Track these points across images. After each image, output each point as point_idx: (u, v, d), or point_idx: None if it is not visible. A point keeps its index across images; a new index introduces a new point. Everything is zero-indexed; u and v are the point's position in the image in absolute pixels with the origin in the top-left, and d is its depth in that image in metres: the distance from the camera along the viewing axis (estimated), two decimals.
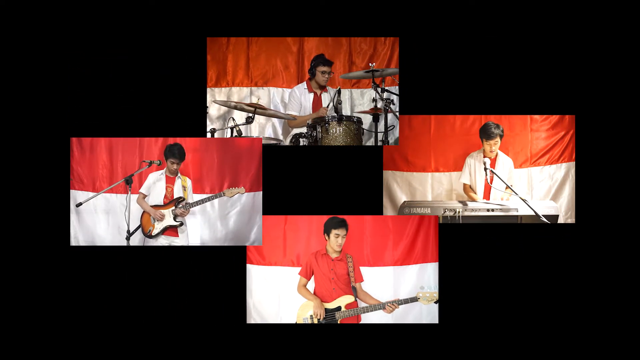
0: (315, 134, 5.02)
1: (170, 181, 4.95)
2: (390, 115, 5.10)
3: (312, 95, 5.67)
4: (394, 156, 5.07)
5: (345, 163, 4.68)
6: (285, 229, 4.77)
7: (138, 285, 4.62)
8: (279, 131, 5.76)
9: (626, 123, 4.63)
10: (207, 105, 4.94)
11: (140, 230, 4.93)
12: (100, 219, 4.99)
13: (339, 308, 4.57)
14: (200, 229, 4.99)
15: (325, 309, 4.58)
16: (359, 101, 5.96)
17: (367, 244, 4.75)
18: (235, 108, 5.24)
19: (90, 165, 4.95)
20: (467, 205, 4.80)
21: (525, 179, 5.17)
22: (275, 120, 5.74)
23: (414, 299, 4.48)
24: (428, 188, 5.25)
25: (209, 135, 4.95)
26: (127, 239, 4.81)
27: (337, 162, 4.68)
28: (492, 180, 4.95)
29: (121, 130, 4.70)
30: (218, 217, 5.02)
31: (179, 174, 4.93)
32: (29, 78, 4.68)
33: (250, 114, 5.15)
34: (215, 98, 5.70)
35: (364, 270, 4.73)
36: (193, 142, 4.87)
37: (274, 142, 5.16)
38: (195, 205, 4.91)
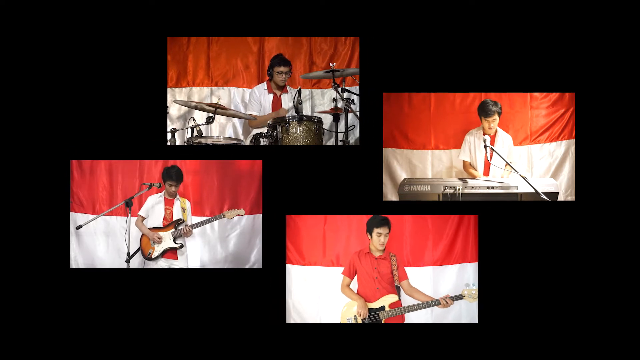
0: (275, 134, 5.30)
1: (169, 203, 5.20)
2: (350, 115, 5.41)
3: (271, 95, 5.99)
4: (394, 133, 5.38)
5: (313, 163, 4.96)
6: (325, 229, 5.03)
7: (141, 307, 4.85)
8: (240, 131, 6.06)
9: (626, 100, 4.94)
10: (168, 105, 5.22)
11: (140, 252, 5.16)
12: (100, 241, 5.23)
13: (382, 307, 4.84)
14: (200, 251, 5.24)
15: (369, 308, 4.86)
16: (319, 101, 6.29)
17: (407, 244, 5.03)
18: (196, 108, 5.49)
19: (90, 188, 5.18)
20: (467, 182, 5.07)
21: (525, 156, 5.54)
22: (235, 120, 6.04)
23: (459, 297, 4.77)
24: (428, 165, 5.58)
25: (169, 135, 5.21)
26: (127, 261, 5.04)
27: (309, 162, 4.97)
28: (491, 157, 5.26)
29: (84, 131, 4.90)
30: (218, 239, 5.28)
31: (177, 196, 5.19)
32: (27, 99, 4.90)
33: (211, 114, 5.42)
34: (176, 98, 5.96)
35: (405, 270, 4.99)
36: (193, 164, 5.11)
37: (235, 142, 5.43)
38: (195, 227, 5.15)
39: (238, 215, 5.09)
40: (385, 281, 4.88)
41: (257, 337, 4.82)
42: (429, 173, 5.56)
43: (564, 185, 5.33)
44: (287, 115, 5.57)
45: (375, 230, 4.89)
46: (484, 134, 5.33)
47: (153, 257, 5.13)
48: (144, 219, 5.18)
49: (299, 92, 5.42)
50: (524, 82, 4.98)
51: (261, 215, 4.90)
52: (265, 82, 5.99)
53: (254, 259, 5.09)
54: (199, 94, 6.08)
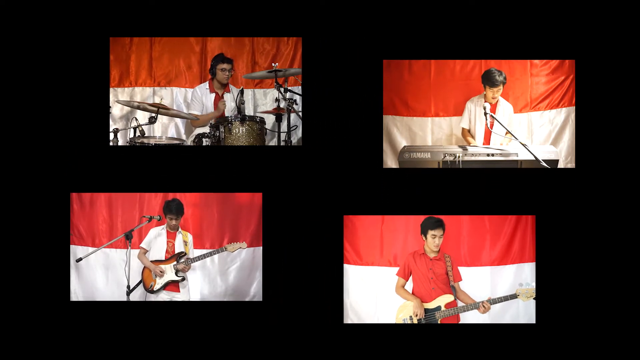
0: (218, 134, 5.68)
1: (171, 236, 5.51)
2: (293, 115, 5.81)
3: (213, 95, 6.29)
4: (394, 101, 5.75)
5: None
6: (382, 229, 5.39)
7: (143, 340, 5.15)
8: (182, 131, 6.36)
9: (626, 68, 5.23)
10: (110, 105, 5.48)
11: (141, 285, 5.47)
12: (100, 274, 5.51)
13: (438, 307, 5.30)
14: (200, 284, 5.57)
15: (425, 308, 5.32)
16: (262, 101, 6.59)
17: (464, 244, 5.41)
18: (138, 108, 5.80)
19: (90, 221, 5.45)
20: (467, 150, 5.50)
21: (525, 123, 5.95)
22: (178, 120, 6.33)
23: (513, 296, 5.21)
24: (428, 133, 5.94)
25: (111, 135, 5.51)
26: (128, 294, 5.35)
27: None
28: (492, 125, 5.66)
29: (26, 132, 5.16)
30: (218, 272, 5.60)
31: (179, 229, 5.52)
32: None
33: (153, 114, 5.75)
34: (118, 98, 6.20)
35: (461, 270, 5.38)
36: (193, 198, 5.45)
37: (177, 142, 5.80)
38: (196, 261, 5.48)
39: (240, 248, 5.43)
40: (441, 281, 5.36)
41: (314, 336, 5.20)
42: (429, 140, 5.92)
43: (564, 153, 5.72)
44: (229, 115, 5.92)
45: (430, 232, 5.34)
46: (486, 102, 5.71)
47: (155, 289, 5.44)
48: (146, 251, 5.49)
49: (241, 91, 5.84)
50: (524, 49, 5.40)
51: (261, 248, 5.29)
52: (207, 82, 6.28)
53: (254, 291, 5.45)
54: (142, 94, 6.30)
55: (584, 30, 5.34)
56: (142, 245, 5.51)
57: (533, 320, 5.32)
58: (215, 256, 5.55)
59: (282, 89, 5.81)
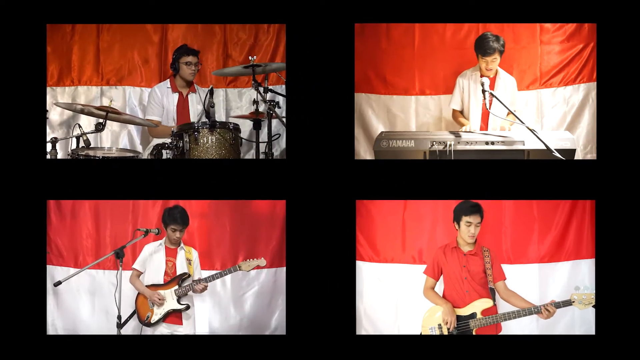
0: (182, 144, 5.39)
1: (171, 253, 5.26)
2: (275, 121, 5.72)
3: (176, 95, 6.14)
4: (368, 75, 5.66)
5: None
6: (405, 216, 5.21)
7: None
8: (137, 141, 6.26)
9: None
10: (47, 109, 5.30)
11: (135, 316, 5.23)
12: (84, 301, 5.36)
13: (473, 315, 4.95)
14: (209, 314, 5.41)
15: (457, 315, 4.96)
16: (236, 104, 6.51)
17: (507, 236, 5.25)
18: (82, 112, 5.58)
19: (72, 235, 5.31)
20: (460, 136, 5.14)
21: (534, 103, 5.86)
22: (132, 127, 6.23)
23: (567, 303, 4.79)
24: (411, 115, 5.87)
25: (49, 146, 5.18)
26: (119, 326, 5.01)
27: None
28: (490, 105, 5.39)
29: None
30: (231, 299, 5.48)
31: (181, 244, 5.28)
32: None
33: (101, 120, 5.44)
34: (57, 100, 6.07)
35: (503, 267, 5.03)
36: (199, 206, 5.31)
37: (131, 154, 5.53)
38: (210, 280, 5.21)
39: (258, 267, 5.23)
40: (477, 282, 5.00)
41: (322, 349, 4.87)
42: (413, 125, 5.86)
43: (582, 140, 5.70)
44: (196, 120, 5.81)
45: (464, 219, 4.98)
46: (482, 76, 5.48)
47: (152, 321, 5.16)
48: (140, 273, 5.26)
49: (211, 92, 5.55)
50: (532, 10, 4.94)
51: (284, 268, 4.94)
52: (168, 80, 6.12)
53: (276, 323, 5.33)
54: (87, 94, 6.18)
55: None
56: (134, 266, 5.29)
57: (592, 331, 4.91)
58: (228, 279, 5.41)
59: (261, 89, 5.56)
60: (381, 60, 5.61)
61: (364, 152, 5.51)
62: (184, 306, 5.21)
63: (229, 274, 5.23)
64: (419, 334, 5.05)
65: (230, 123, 5.46)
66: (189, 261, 5.23)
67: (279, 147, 5.65)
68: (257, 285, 5.41)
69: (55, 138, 5.29)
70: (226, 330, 5.35)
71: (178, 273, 5.23)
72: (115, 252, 5.08)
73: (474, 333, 4.93)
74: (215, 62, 6.27)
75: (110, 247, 5.28)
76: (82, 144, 5.33)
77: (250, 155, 5.83)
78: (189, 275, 5.20)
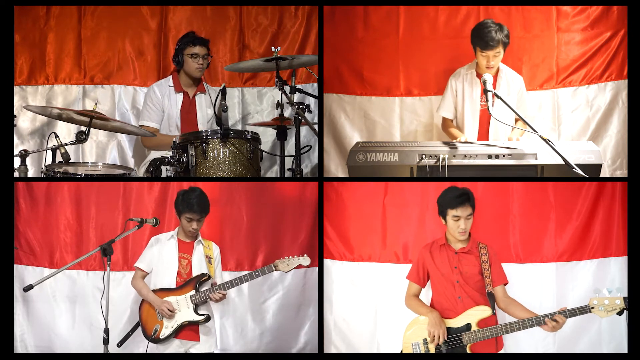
0: (186, 158, 4.77)
1: (186, 249, 4.48)
2: (304, 129, 5.24)
3: (180, 96, 5.60)
4: (340, 71, 5.21)
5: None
6: (385, 203, 4.68)
7: None
8: (129, 154, 5.75)
9: None
10: (15, 113, 4.94)
11: (139, 329, 4.45)
12: (61, 311, 4.84)
13: (468, 326, 4.18)
14: (220, 327, 4.84)
15: (447, 328, 4.20)
16: (255, 107, 6.00)
17: (515, 228, 4.71)
18: (60, 118, 5.05)
19: (46, 226, 4.80)
20: (456, 148, 4.54)
21: (549, 106, 5.41)
22: (123, 137, 5.72)
23: (583, 310, 3.94)
24: (395, 121, 5.42)
25: (17, 160, 4.57)
26: (106, 342, 4.12)
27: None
28: (493, 105, 4.75)
29: None
30: (248, 308, 4.97)
31: (199, 238, 4.51)
32: None
33: (84, 128, 4.79)
34: (28, 102, 5.52)
35: (510, 268, 4.50)
36: (210, 189, 4.53)
37: (121, 171, 4.91)
38: (230, 287, 4.40)
39: (300, 266, 4.43)
40: (471, 286, 4.26)
41: None
42: (397, 133, 5.41)
43: (609, 153, 5.27)
44: (204, 129, 5.28)
45: (451, 213, 4.23)
46: (479, 75, 4.97)
47: (161, 336, 4.38)
48: (145, 274, 4.52)
49: (223, 92, 4.90)
50: None
51: (317, 268, 4.61)
52: (170, 77, 5.60)
53: (306, 338, 4.85)
54: (65, 95, 5.66)
55: None
56: (138, 264, 4.53)
57: (624, 349, 4.43)
58: (245, 284, 4.71)
59: (287, 88, 4.89)
60: (357, 52, 5.21)
61: (334, 167, 5.13)
62: (202, 317, 4.40)
63: (261, 275, 4.35)
64: (399, 352, 4.32)
65: (248, 132, 4.84)
66: (208, 259, 4.46)
67: (310, 162, 5.32)
68: (282, 289, 4.90)
69: (25, 150, 4.65)
70: (242, 346, 4.82)
71: (195, 274, 4.39)
72: (101, 248, 4.24)
73: (468, 350, 4.16)
74: (229, 54, 5.81)
75: (95, 242, 4.77)
76: (59, 158, 4.64)
77: (274, 172, 5.42)
78: (209, 277, 4.40)
